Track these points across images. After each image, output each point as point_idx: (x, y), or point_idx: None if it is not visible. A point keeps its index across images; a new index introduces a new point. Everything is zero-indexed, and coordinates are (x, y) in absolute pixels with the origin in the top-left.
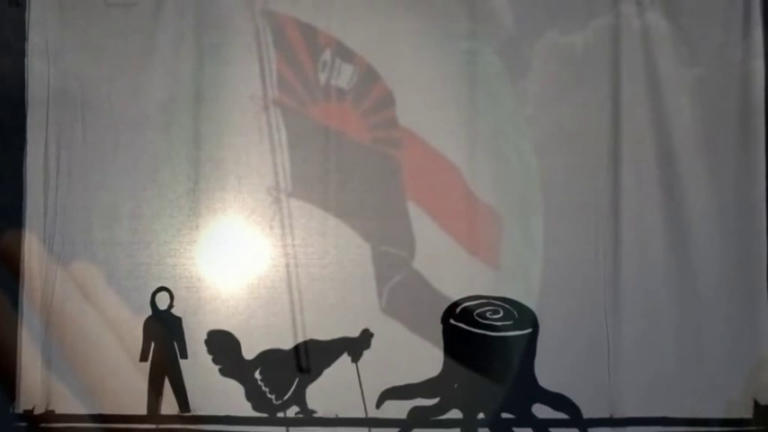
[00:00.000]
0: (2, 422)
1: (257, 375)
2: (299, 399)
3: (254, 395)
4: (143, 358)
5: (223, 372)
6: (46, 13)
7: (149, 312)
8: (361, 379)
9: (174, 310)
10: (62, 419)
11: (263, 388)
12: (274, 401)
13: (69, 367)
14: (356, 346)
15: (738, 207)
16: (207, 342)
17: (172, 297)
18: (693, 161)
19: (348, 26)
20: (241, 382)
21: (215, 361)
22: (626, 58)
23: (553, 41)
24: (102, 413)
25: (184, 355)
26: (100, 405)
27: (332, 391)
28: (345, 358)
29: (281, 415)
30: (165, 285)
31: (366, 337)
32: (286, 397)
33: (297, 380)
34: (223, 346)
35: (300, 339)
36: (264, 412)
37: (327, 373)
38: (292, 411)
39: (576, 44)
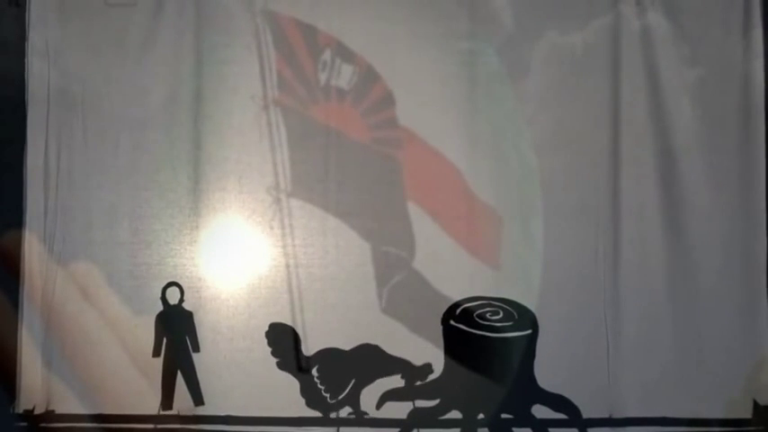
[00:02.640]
0: (2, 422)
1: (314, 372)
2: (353, 400)
3: (308, 392)
4: (156, 354)
5: (281, 365)
6: (46, 13)
7: (150, 312)
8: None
9: (184, 305)
10: (62, 419)
11: (320, 385)
12: (329, 400)
13: (69, 367)
14: (412, 373)
15: (738, 207)
16: (267, 334)
17: (182, 291)
18: (693, 161)
19: (348, 26)
20: (297, 378)
21: (273, 354)
22: (626, 58)
23: (553, 41)
24: (102, 413)
25: (197, 349)
26: (100, 405)
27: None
28: (398, 378)
29: (333, 414)
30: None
31: (425, 370)
32: (340, 397)
33: (353, 381)
34: (284, 339)
35: (301, 339)
36: (317, 410)
37: (381, 380)
38: (345, 412)
39: (576, 44)
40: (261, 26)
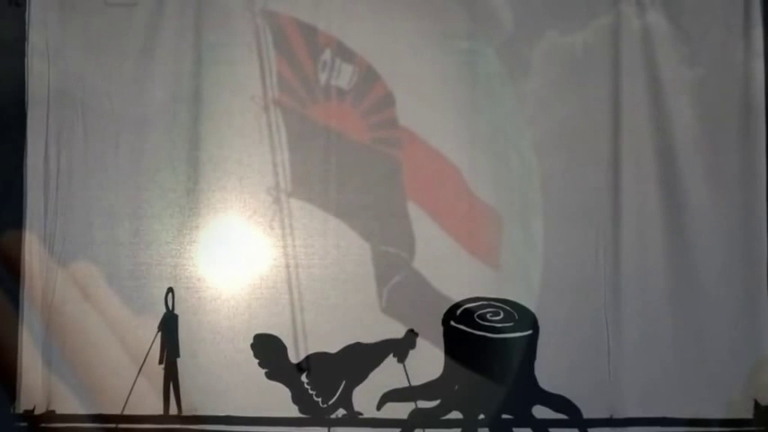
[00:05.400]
0: (2, 422)
1: (304, 378)
2: (346, 401)
3: (300, 398)
4: (162, 360)
5: (269, 375)
6: (46, 13)
7: (151, 312)
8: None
9: (174, 309)
10: (62, 419)
11: (310, 391)
12: (321, 404)
13: (70, 367)
14: (401, 346)
15: (738, 207)
16: (253, 345)
17: (173, 295)
18: (693, 161)
19: (348, 26)
20: (287, 386)
21: (261, 365)
22: (626, 58)
23: (553, 41)
24: (102, 413)
25: (177, 354)
26: (100, 405)
27: (378, 392)
28: (391, 359)
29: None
30: (168, 286)
31: (411, 337)
32: (333, 400)
33: (344, 382)
34: (269, 349)
35: (301, 339)
36: (311, 415)
37: (373, 374)
38: (339, 414)
39: (576, 44)
40: (261, 26)
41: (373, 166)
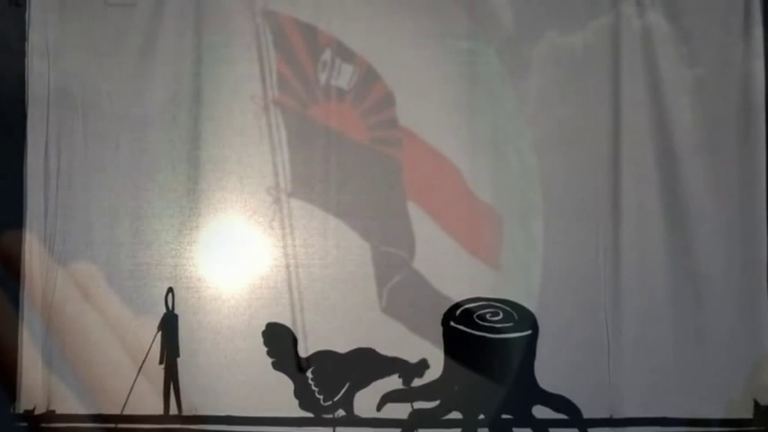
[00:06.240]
0: (2, 422)
1: (309, 374)
2: (347, 403)
3: (302, 393)
4: (162, 360)
5: (276, 365)
6: (46, 13)
7: (151, 312)
8: None
9: (174, 309)
10: (62, 419)
11: (313, 387)
12: (322, 402)
13: (70, 367)
14: (409, 371)
15: (738, 207)
16: (264, 333)
17: (173, 296)
18: (693, 161)
19: (348, 26)
20: (291, 378)
21: (269, 354)
22: (626, 58)
23: (553, 41)
24: (102, 413)
25: (177, 353)
26: (100, 405)
27: (379, 394)
28: (395, 378)
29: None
30: (168, 286)
31: (421, 366)
32: (335, 399)
33: (347, 384)
34: (280, 339)
35: (301, 339)
36: (310, 411)
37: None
38: (338, 414)
39: (576, 44)
40: (261, 26)
41: (373, 166)
